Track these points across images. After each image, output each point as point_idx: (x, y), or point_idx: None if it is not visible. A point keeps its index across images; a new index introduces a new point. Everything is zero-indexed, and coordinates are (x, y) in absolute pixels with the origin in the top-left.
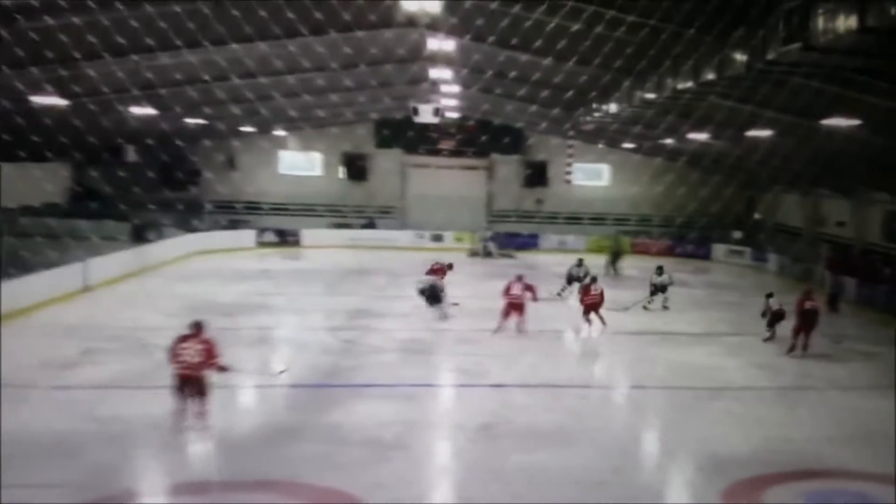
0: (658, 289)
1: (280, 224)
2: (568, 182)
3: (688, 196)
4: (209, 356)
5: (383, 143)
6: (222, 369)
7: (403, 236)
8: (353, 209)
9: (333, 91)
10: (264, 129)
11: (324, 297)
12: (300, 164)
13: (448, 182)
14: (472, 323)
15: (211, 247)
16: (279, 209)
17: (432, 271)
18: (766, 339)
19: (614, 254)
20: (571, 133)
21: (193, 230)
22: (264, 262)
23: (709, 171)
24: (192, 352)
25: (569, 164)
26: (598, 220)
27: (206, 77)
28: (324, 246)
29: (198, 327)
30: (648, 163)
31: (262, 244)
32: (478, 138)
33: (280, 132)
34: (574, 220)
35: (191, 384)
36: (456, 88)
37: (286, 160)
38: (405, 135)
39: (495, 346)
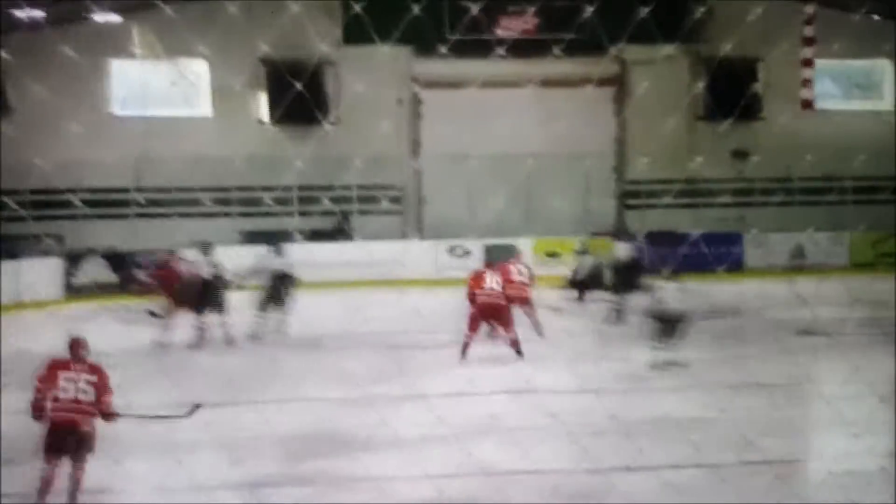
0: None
1: (118, 239)
2: (808, 105)
3: None
4: (102, 391)
5: (357, 33)
6: (110, 416)
7: (418, 255)
8: (292, 195)
9: None
10: (74, 11)
11: (221, 414)
12: (159, 91)
13: (520, 118)
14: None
15: None
16: (115, 203)
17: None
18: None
19: None
20: None
21: None
22: (75, 330)
23: None
24: (78, 386)
25: (807, 63)
26: (868, 190)
27: None
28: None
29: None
30: None
31: (74, 292)
32: (582, 9)
33: (108, 16)
34: (818, 193)
35: (72, 436)
36: None
37: (127, 82)
38: (408, 12)
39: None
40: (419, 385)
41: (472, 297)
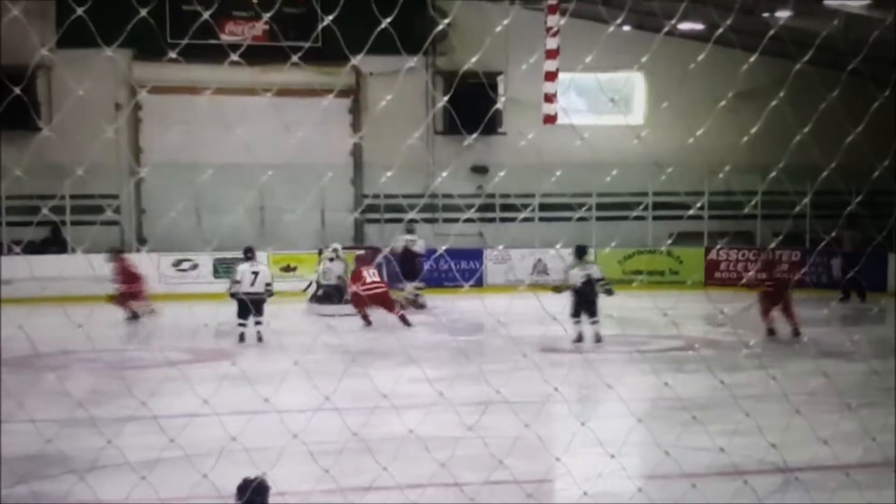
0: None
1: None
2: (551, 119)
3: (829, 139)
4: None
5: (73, 36)
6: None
7: (141, 268)
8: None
9: None
10: None
11: None
12: None
13: (256, 127)
14: None
15: None
16: None
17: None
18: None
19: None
20: None
21: None
22: None
23: (880, 76)
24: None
25: (551, 77)
26: (616, 206)
27: None
28: None
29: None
30: (736, 64)
31: None
32: (317, 19)
33: None
34: (562, 209)
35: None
36: None
37: None
38: (128, 15)
39: None
40: (149, 406)
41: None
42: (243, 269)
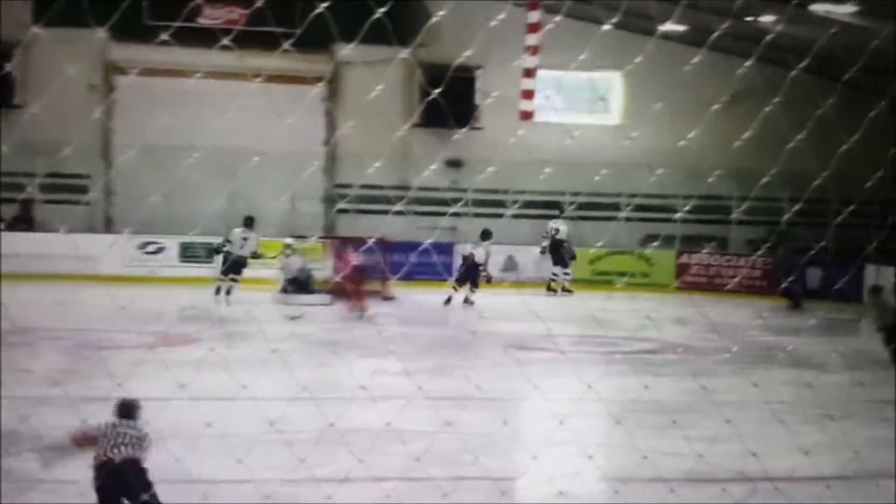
0: None
1: None
2: (528, 116)
3: (814, 144)
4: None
5: (50, 15)
6: None
7: (107, 249)
8: None
9: None
10: None
11: None
12: None
13: (227, 113)
14: None
15: None
16: None
17: None
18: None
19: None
20: None
21: None
22: None
23: (868, 84)
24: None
25: (530, 73)
26: (591, 206)
27: None
28: None
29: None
30: (714, 67)
31: None
32: (296, 5)
33: None
34: (538, 207)
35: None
36: None
37: None
38: None
39: None
40: (124, 387)
41: None
42: (236, 233)
